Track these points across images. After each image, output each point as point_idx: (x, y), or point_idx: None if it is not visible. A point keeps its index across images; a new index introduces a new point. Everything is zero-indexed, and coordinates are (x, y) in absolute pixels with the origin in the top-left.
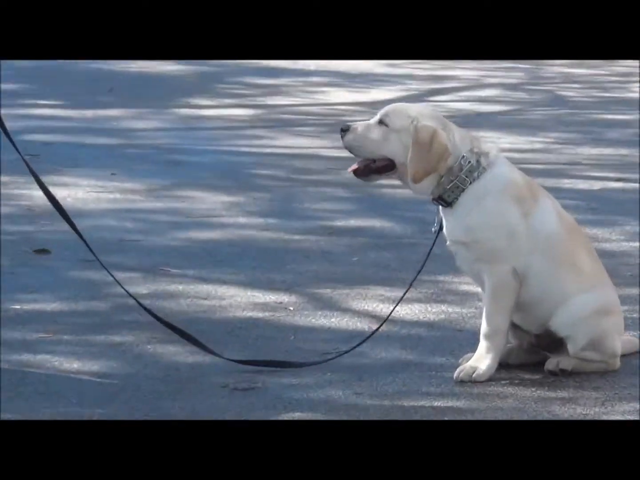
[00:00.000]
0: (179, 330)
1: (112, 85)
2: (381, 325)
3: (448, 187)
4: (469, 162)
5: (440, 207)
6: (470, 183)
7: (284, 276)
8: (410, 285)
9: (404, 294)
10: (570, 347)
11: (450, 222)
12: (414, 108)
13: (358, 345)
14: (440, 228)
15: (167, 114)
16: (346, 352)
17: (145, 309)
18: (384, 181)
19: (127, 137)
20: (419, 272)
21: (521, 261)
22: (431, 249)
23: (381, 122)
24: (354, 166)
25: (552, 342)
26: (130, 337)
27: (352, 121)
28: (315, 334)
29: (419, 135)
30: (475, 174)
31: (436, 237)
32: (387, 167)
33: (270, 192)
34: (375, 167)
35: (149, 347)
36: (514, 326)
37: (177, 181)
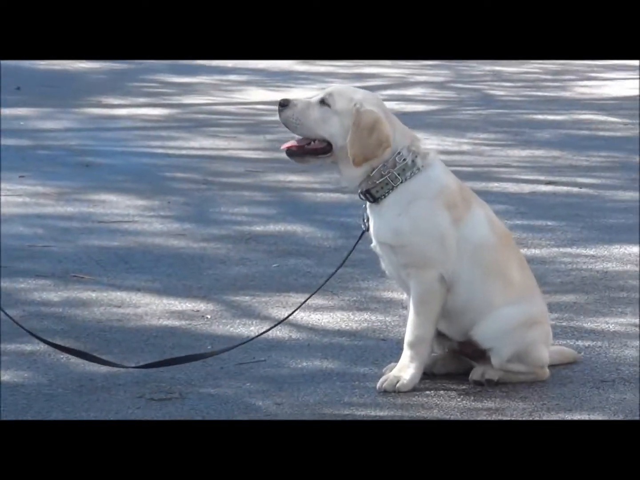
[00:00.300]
0: (67, 349)
1: (20, 84)
2: (273, 327)
3: (378, 181)
4: (404, 159)
5: (367, 203)
6: (402, 182)
7: (200, 283)
8: (325, 281)
9: (310, 295)
10: (494, 359)
11: (377, 221)
12: (360, 92)
13: (237, 346)
14: (367, 228)
15: (78, 113)
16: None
17: (28, 331)
18: (304, 184)
19: (36, 137)
20: (339, 267)
21: (449, 268)
22: (355, 245)
23: (323, 101)
24: (289, 144)
25: (477, 351)
26: (42, 346)
27: (285, 102)
28: (233, 342)
29: (362, 118)
30: (408, 174)
31: (361, 235)
32: (323, 149)
33: (186, 196)
34: (311, 149)
35: (61, 356)
36: (438, 334)
37: (89, 184)
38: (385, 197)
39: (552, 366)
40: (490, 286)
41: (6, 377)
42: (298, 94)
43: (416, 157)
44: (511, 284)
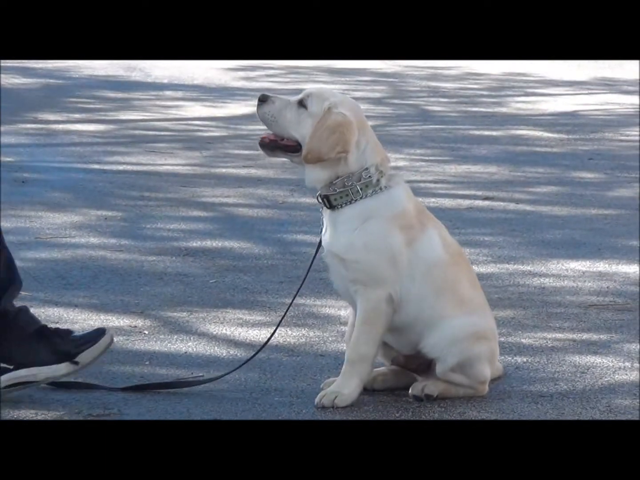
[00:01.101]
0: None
1: None
2: (259, 351)
3: (339, 190)
4: (370, 176)
5: (324, 209)
6: (362, 198)
7: (138, 299)
8: (292, 302)
9: (287, 309)
10: (439, 368)
11: (331, 231)
12: (339, 96)
13: (228, 373)
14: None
15: (13, 129)
16: (214, 379)
17: None
18: (240, 200)
19: None
20: (305, 279)
21: (398, 288)
22: (315, 255)
23: (301, 102)
24: (264, 134)
25: (421, 365)
26: None
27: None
28: (171, 359)
29: (328, 117)
30: (370, 191)
31: (319, 245)
32: (294, 147)
33: (123, 212)
34: (283, 144)
35: None
36: (384, 345)
37: (25, 199)
38: (341, 207)
39: (490, 381)
40: (442, 302)
41: None
42: (234, 109)
43: (382, 176)
44: (462, 300)
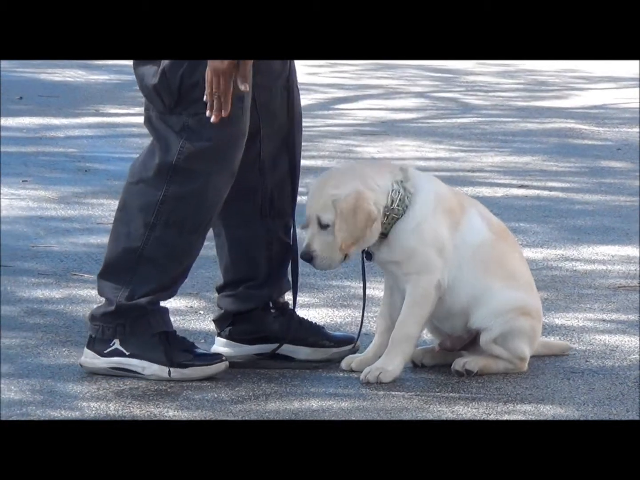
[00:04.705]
0: None
1: (22, 94)
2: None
3: (383, 222)
4: (398, 192)
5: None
6: (404, 212)
7: (193, 281)
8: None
9: None
10: (483, 338)
11: (384, 249)
12: (326, 182)
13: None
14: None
15: (77, 122)
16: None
17: None
18: None
19: (37, 145)
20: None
21: (446, 274)
22: (363, 268)
23: (320, 226)
24: None
25: (466, 346)
26: None
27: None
28: None
29: (341, 206)
30: (406, 201)
31: (363, 260)
32: None
33: None
34: None
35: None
36: (434, 327)
37: (88, 188)
38: (391, 228)
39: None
40: (490, 277)
41: None
42: None
43: (403, 183)
44: (512, 274)
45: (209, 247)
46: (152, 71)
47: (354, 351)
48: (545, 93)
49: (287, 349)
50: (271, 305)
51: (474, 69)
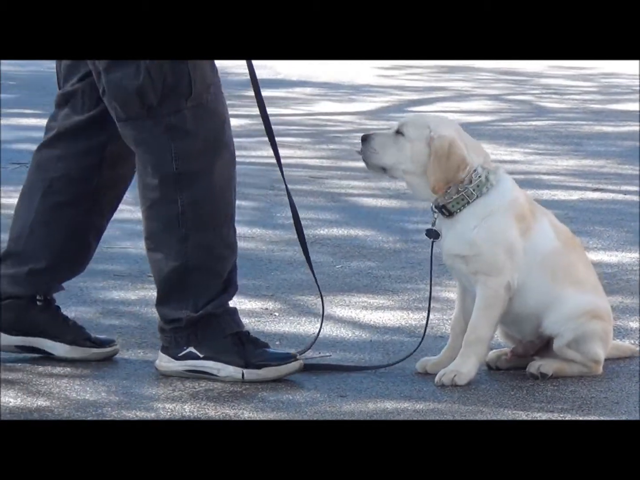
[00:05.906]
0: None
1: None
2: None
3: (454, 197)
4: (479, 176)
5: (438, 217)
6: (477, 197)
7: (268, 283)
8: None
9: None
10: (556, 343)
11: (449, 235)
12: (431, 118)
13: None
14: (433, 234)
15: None
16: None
17: None
18: (365, 191)
19: None
20: (431, 281)
21: (516, 276)
22: (432, 256)
23: (398, 131)
24: None
25: (539, 351)
26: None
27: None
28: (300, 339)
29: (437, 145)
30: (484, 189)
31: (432, 245)
32: None
33: (255, 201)
34: None
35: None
36: (507, 335)
37: None
38: (460, 211)
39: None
40: (559, 285)
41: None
42: (360, 106)
43: (489, 173)
44: (578, 281)
45: (283, 250)
46: (131, 72)
47: (113, 353)
48: (620, 96)
49: (45, 344)
50: (39, 297)
51: (546, 71)
